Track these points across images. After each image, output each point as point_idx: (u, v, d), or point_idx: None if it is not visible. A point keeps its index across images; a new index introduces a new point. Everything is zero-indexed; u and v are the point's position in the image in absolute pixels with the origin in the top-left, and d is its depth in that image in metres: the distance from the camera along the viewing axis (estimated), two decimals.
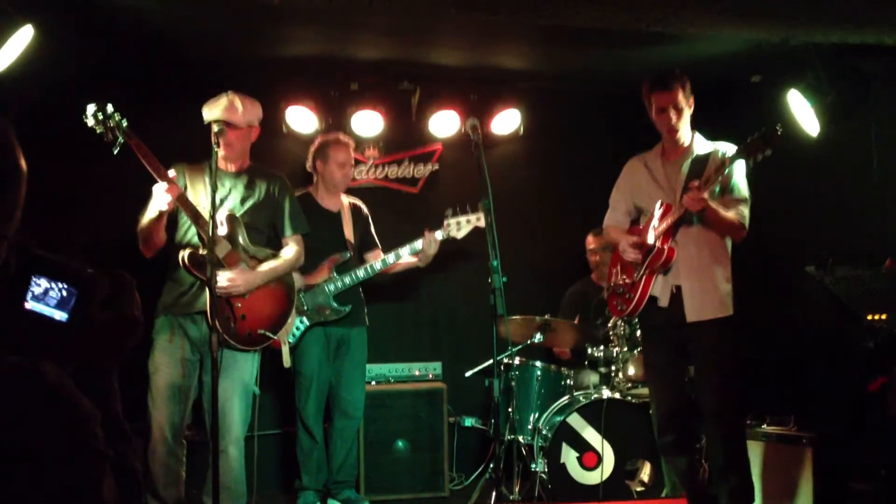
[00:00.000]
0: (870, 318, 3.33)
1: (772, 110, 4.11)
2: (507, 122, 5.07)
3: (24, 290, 1.13)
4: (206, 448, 3.25)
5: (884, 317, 3.30)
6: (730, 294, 3.43)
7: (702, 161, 3.42)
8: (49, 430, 0.94)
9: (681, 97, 3.43)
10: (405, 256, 4.29)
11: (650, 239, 3.47)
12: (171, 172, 3.51)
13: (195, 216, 3.34)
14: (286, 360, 3.78)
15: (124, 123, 3.21)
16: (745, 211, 3.39)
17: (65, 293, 1.15)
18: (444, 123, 5.01)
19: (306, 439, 4.21)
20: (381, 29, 4.22)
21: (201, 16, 4.04)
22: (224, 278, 3.34)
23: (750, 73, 4.65)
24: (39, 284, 1.14)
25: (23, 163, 1.09)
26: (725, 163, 3.26)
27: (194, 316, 3.40)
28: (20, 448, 0.92)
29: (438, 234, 4.27)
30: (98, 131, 3.20)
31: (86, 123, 3.20)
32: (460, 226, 4.27)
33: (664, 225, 3.42)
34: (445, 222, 4.27)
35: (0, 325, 1.12)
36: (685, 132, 3.51)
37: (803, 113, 3.95)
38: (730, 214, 3.34)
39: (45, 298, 1.14)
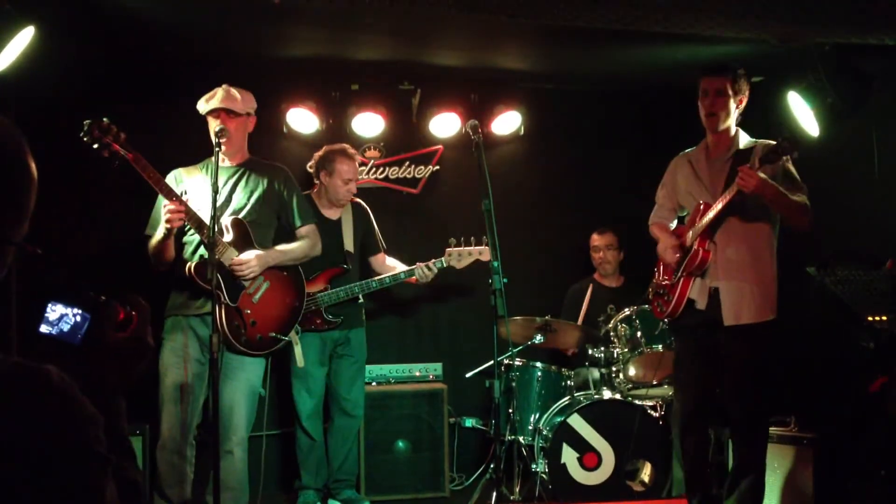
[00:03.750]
0: (870, 318, 3.33)
1: (772, 111, 4.11)
2: (507, 122, 5.08)
3: (39, 313, 1.17)
4: (210, 448, 3.26)
5: (884, 318, 3.30)
6: (772, 296, 3.34)
7: (744, 156, 3.34)
8: (52, 431, 0.94)
9: (728, 86, 3.36)
10: (403, 279, 4.29)
11: (688, 240, 3.42)
12: (171, 177, 3.52)
13: (203, 230, 3.33)
14: (300, 360, 3.78)
15: (122, 136, 3.15)
16: (805, 198, 3.29)
17: (78, 318, 1.20)
18: (445, 124, 5.02)
19: (304, 439, 4.22)
20: (382, 30, 4.22)
21: (202, 16, 4.04)
22: (239, 260, 3.36)
23: (751, 73, 4.63)
24: (54, 310, 1.18)
25: (34, 170, 1.10)
26: (756, 162, 3.16)
27: (204, 317, 3.41)
28: (22, 448, 0.92)
29: (438, 263, 4.26)
30: (95, 147, 3.13)
31: (82, 140, 3.12)
32: (461, 257, 4.27)
33: (702, 224, 3.35)
34: (448, 251, 4.28)
35: None
36: (727, 125, 3.43)
37: (804, 114, 3.96)
38: (795, 196, 3.24)
39: (58, 323, 1.18)
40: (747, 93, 3.46)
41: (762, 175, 3.14)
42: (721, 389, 3.55)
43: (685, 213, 3.64)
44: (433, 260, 4.27)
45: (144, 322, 1.30)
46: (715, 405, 3.60)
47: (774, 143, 3.20)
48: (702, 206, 3.41)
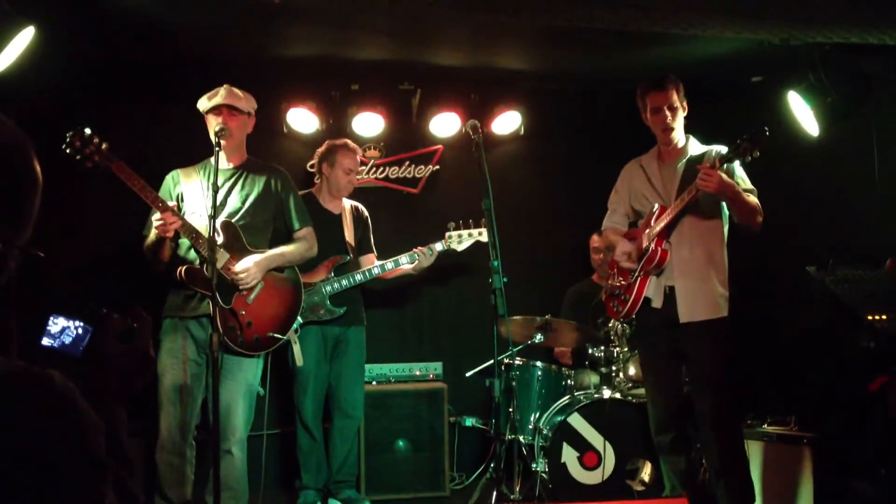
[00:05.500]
0: (870, 318, 3.33)
1: (772, 111, 4.11)
2: (507, 122, 5.08)
3: (40, 325, 1.18)
4: (209, 448, 3.27)
5: (884, 317, 3.30)
6: (724, 296, 3.40)
7: (696, 162, 3.40)
8: (54, 435, 0.94)
9: (675, 97, 3.45)
10: (403, 264, 4.31)
11: (644, 242, 3.47)
12: (168, 178, 3.52)
13: (192, 234, 3.33)
14: (299, 359, 3.79)
15: (104, 147, 3.14)
16: (756, 199, 3.35)
17: (80, 331, 1.21)
18: (445, 124, 5.02)
19: (305, 438, 4.22)
20: (382, 29, 4.23)
21: (202, 16, 4.04)
22: (238, 268, 3.36)
23: (751, 73, 4.65)
24: (56, 322, 1.20)
25: (39, 173, 1.09)
26: (717, 163, 3.22)
27: (200, 319, 3.41)
28: (23, 450, 0.92)
29: (439, 246, 4.34)
30: (77, 158, 3.10)
31: (64, 151, 3.09)
32: (461, 238, 4.35)
33: (658, 226, 3.42)
34: (447, 234, 4.34)
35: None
36: (679, 134, 3.52)
37: (804, 113, 3.95)
38: (750, 197, 3.30)
39: (60, 336, 1.20)
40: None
41: (723, 176, 3.18)
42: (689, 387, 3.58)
43: (637, 219, 3.68)
44: (434, 242, 4.32)
45: (146, 334, 1.30)
46: (688, 402, 3.59)
47: (727, 148, 3.24)
48: (657, 210, 3.46)
